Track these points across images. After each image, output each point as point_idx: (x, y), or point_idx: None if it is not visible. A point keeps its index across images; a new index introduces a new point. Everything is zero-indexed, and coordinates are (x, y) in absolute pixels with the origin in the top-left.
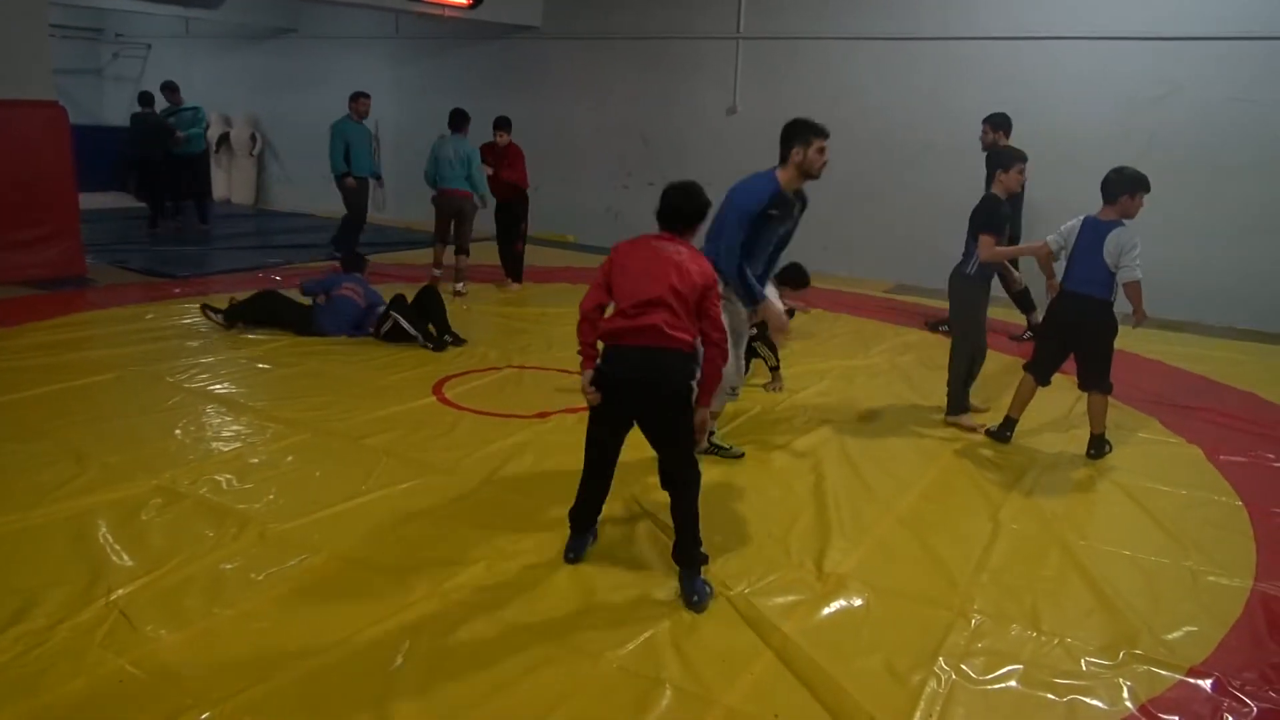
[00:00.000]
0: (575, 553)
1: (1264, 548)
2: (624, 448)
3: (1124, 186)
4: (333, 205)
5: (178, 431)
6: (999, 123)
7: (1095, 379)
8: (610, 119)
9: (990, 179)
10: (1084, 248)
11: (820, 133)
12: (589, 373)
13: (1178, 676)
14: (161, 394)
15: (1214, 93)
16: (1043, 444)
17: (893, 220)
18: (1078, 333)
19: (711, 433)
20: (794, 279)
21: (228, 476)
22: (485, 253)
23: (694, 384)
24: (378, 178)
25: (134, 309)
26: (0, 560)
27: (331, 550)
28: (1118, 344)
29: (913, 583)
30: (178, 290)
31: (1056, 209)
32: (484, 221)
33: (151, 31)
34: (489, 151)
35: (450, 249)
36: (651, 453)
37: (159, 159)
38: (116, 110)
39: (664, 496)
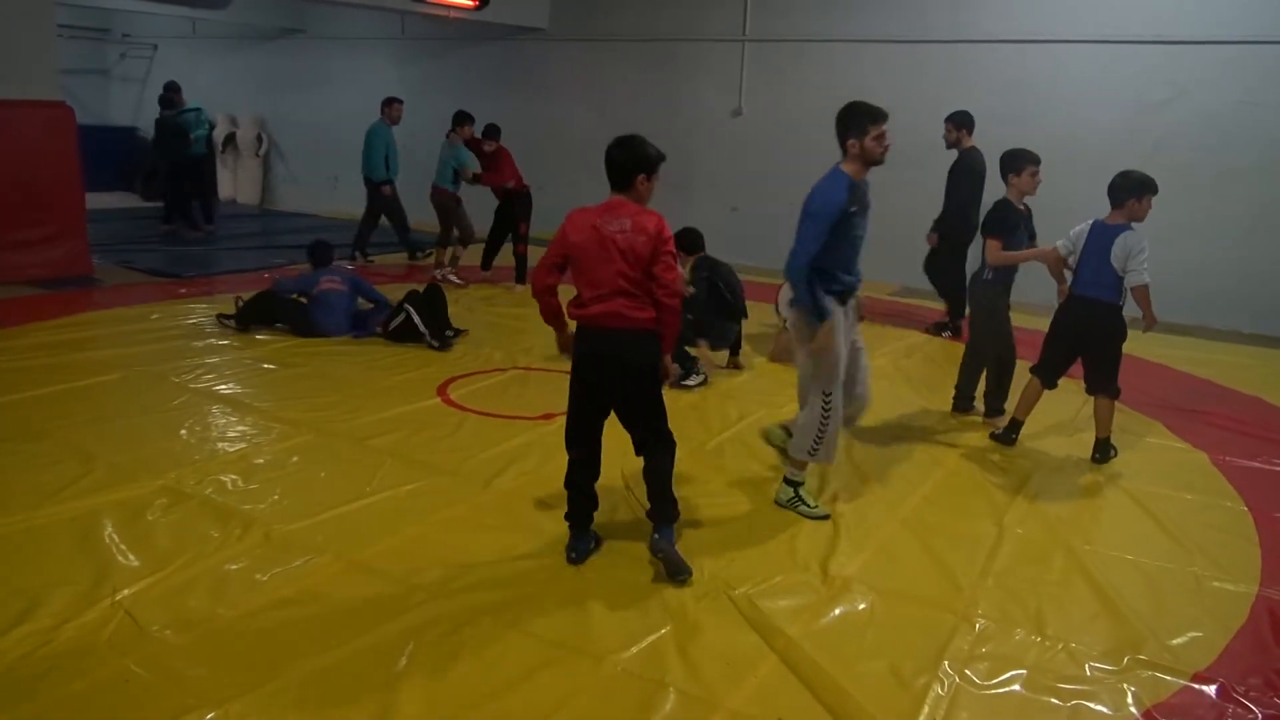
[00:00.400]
0: (578, 553)
1: (1269, 553)
2: (625, 453)
3: (1130, 190)
4: (336, 206)
5: (183, 432)
6: (961, 121)
7: (1103, 383)
8: (615, 120)
9: (951, 178)
10: (1092, 252)
11: (875, 117)
12: (561, 336)
13: (1182, 682)
14: (167, 394)
15: (1220, 96)
16: (1048, 448)
17: (898, 223)
18: (1086, 336)
19: (800, 484)
20: (689, 244)
21: (233, 477)
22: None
23: (663, 361)
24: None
25: (140, 309)
26: (6, 560)
27: (336, 551)
28: (1123, 347)
29: (917, 586)
30: (184, 290)
31: (1062, 212)
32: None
33: (158, 32)
34: (479, 155)
35: (454, 249)
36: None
37: (180, 160)
38: (123, 110)
39: None
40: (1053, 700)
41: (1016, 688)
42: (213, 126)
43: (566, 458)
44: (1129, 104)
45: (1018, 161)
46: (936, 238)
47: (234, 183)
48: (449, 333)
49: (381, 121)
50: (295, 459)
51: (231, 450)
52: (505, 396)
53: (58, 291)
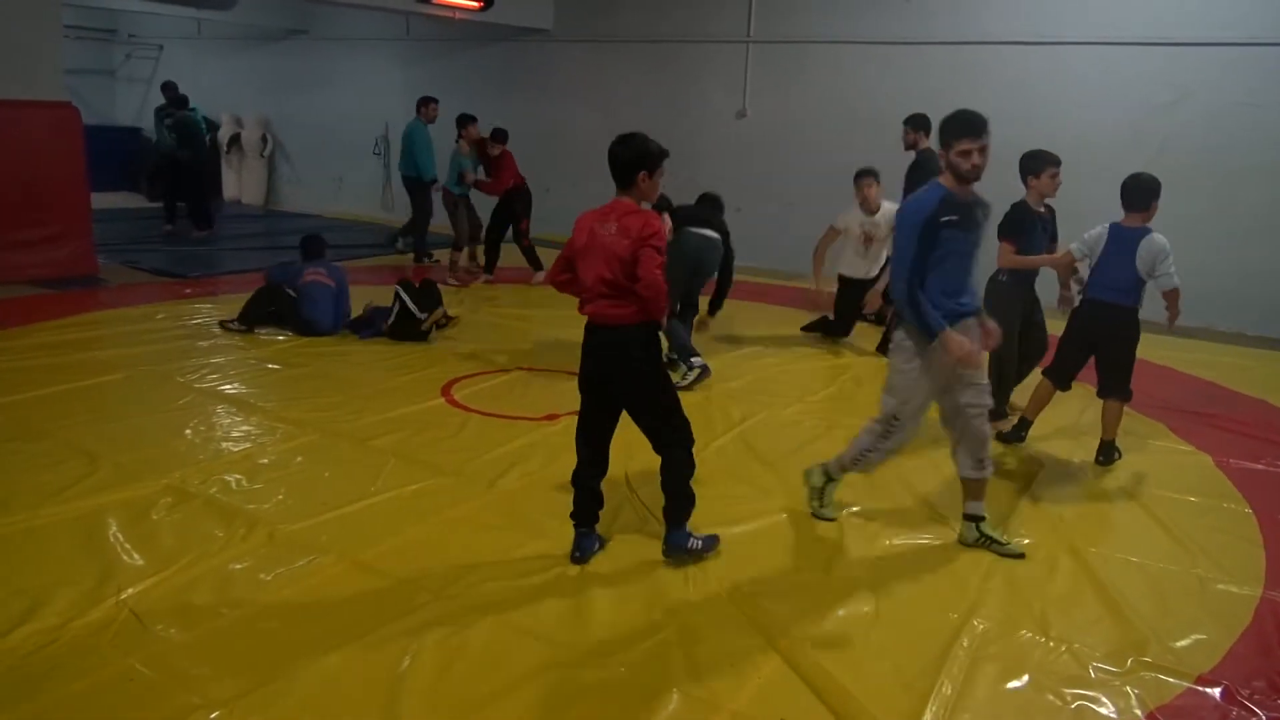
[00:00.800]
0: (582, 552)
1: (1273, 555)
2: (629, 457)
3: (1154, 193)
4: (340, 206)
5: (188, 432)
6: (919, 124)
7: (1116, 387)
8: (619, 121)
9: (908, 182)
10: (1111, 254)
11: (963, 132)
12: None
13: (1186, 684)
14: (171, 394)
15: (1224, 97)
16: (1052, 450)
17: None
18: (1101, 340)
19: (982, 518)
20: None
21: (237, 477)
22: (510, 256)
23: (659, 354)
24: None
25: (144, 309)
26: (11, 559)
27: (339, 551)
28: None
29: (920, 587)
30: (188, 290)
31: (1067, 214)
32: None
33: (164, 33)
34: (484, 159)
35: (469, 250)
36: (656, 458)
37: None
38: (128, 111)
39: None
40: (1056, 702)
41: (1020, 689)
42: (217, 127)
43: (571, 458)
44: (1133, 106)
45: (1037, 163)
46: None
47: (239, 183)
48: (442, 310)
49: (419, 121)
50: (299, 459)
51: (236, 450)
52: (509, 397)
53: (62, 291)
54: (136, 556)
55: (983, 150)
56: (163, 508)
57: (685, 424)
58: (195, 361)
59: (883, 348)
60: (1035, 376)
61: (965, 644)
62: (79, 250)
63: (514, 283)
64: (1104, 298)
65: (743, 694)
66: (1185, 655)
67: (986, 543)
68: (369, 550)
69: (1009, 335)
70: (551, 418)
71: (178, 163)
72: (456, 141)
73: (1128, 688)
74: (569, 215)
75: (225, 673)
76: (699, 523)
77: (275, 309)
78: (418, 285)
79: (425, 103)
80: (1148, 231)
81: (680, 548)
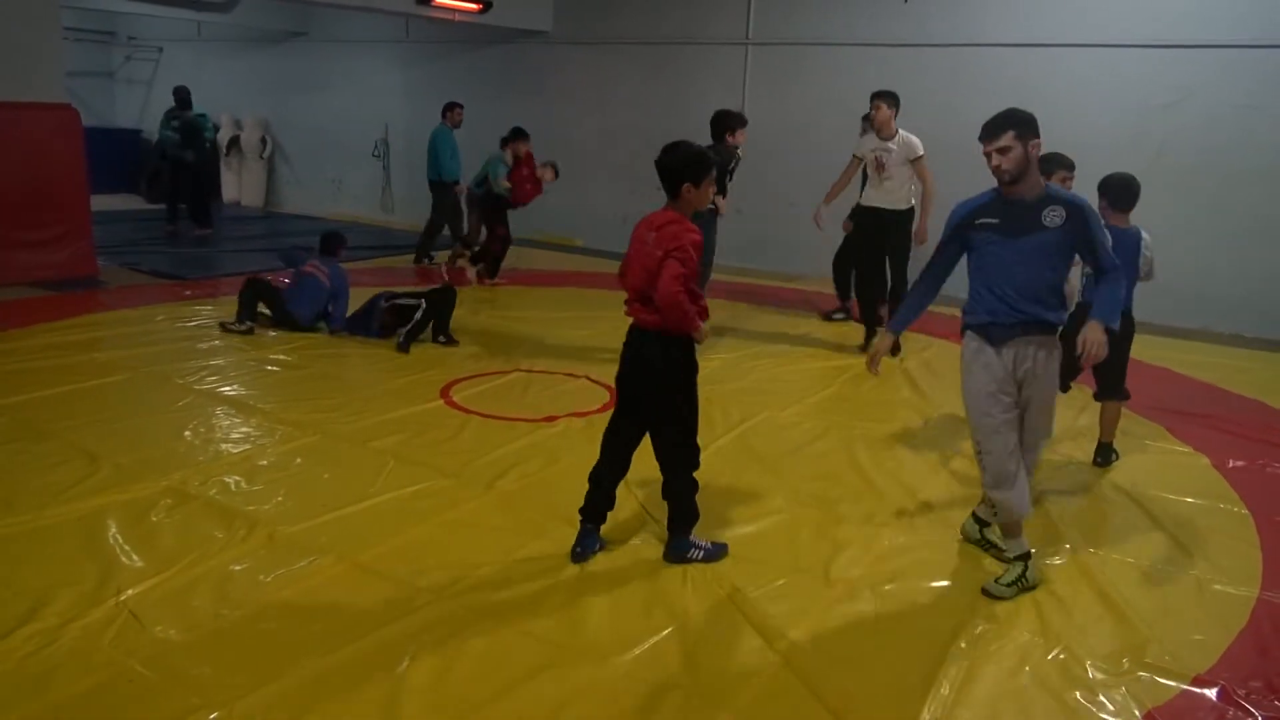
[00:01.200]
0: (583, 548)
1: (1270, 556)
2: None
3: (1136, 194)
4: (339, 208)
5: (188, 433)
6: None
7: (1112, 387)
8: (618, 123)
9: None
10: None
11: (980, 136)
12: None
13: (1183, 685)
14: (172, 395)
15: (1223, 99)
16: (1049, 451)
17: None
18: None
19: (988, 524)
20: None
21: (237, 478)
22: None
23: (683, 363)
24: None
25: (144, 310)
26: (11, 560)
27: (339, 553)
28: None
29: (920, 589)
30: (189, 292)
31: None
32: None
33: (164, 35)
34: (519, 176)
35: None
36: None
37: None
38: (128, 113)
39: None
40: (1054, 702)
41: (1018, 690)
42: (217, 129)
43: (570, 459)
44: (1132, 108)
45: (1049, 166)
46: (852, 225)
47: (238, 185)
48: (441, 338)
49: (444, 125)
50: (299, 460)
51: (236, 451)
52: (508, 399)
53: (63, 293)
54: (136, 558)
55: (1001, 151)
56: (163, 509)
57: (697, 451)
58: (195, 363)
59: (865, 346)
60: None
61: (964, 645)
62: (79, 252)
63: (513, 285)
64: None
65: (743, 695)
66: (1182, 656)
67: (986, 545)
68: (369, 551)
69: None
70: (550, 419)
71: (180, 163)
72: (502, 149)
73: (1125, 688)
74: (568, 216)
75: (225, 673)
76: (700, 523)
77: (260, 298)
78: (439, 291)
79: (451, 108)
80: (1138, 230)
81: (681, 557)
